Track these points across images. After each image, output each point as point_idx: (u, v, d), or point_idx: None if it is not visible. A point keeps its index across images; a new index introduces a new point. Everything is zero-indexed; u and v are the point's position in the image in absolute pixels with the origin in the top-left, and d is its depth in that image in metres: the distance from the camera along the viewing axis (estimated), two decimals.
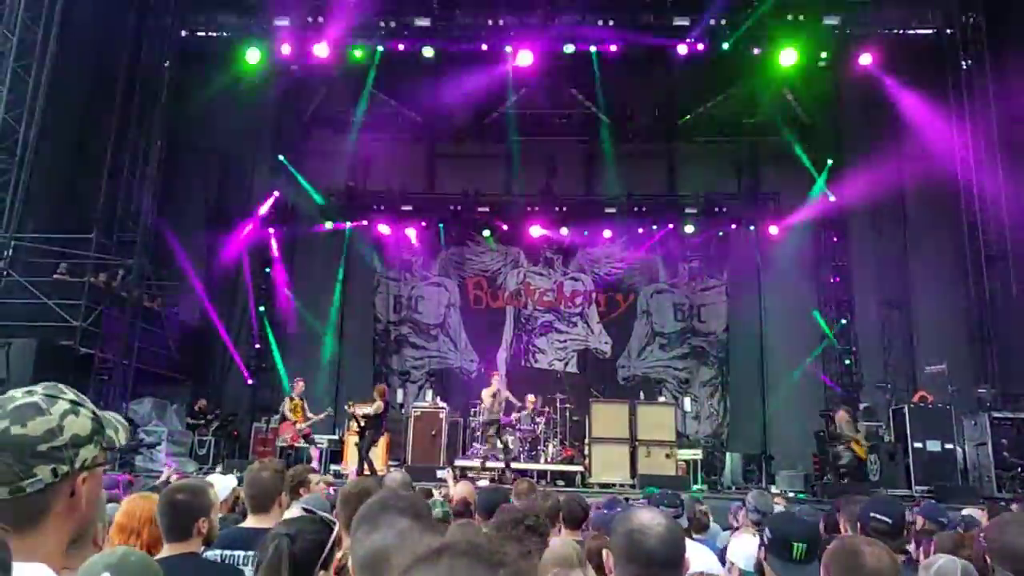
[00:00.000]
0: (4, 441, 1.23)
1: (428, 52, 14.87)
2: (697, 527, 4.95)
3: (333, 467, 12.82)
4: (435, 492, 6.13)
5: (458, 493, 5.22)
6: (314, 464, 11.53)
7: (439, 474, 10.36)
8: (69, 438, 1.26)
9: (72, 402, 1.31)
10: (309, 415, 12.24)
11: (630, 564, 1.82)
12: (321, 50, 14.85)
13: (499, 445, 12.25)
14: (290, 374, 16.14)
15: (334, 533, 2.05)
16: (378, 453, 12.89)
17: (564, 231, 17.20)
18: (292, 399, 12.32)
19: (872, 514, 3.42)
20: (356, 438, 11.86)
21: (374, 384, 15.37)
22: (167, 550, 2.66)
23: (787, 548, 2.37)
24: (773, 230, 16.65)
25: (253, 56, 15.14)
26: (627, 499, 7.58)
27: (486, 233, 17.54)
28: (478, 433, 13.55)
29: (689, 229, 16.96)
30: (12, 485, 1.22)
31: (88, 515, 1.34)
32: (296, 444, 11.96)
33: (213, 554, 2.85)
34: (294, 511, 2.67)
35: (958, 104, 15.03)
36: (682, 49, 14.78)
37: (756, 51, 14.79)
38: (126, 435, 1.43)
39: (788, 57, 14.75)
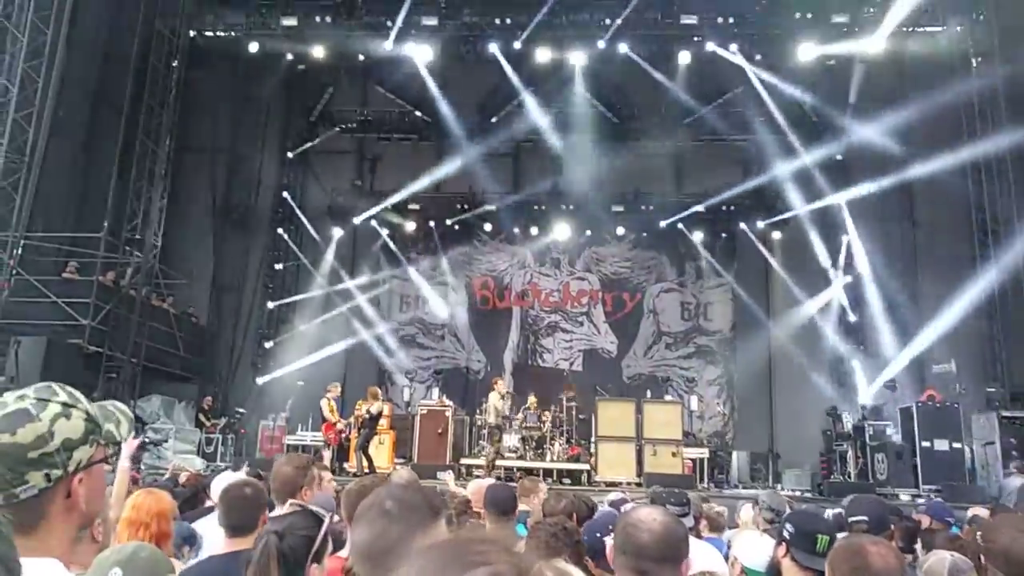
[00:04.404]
0: None
1: (430, 53, 14.89)
2: (711, 527, 4.94)
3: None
4: (438, 489, 6.14)
5: (469, 491, 5.21)
6: (325, 462, 11.62)
7: (439, 475, 10.38)
8: (61, 442, 1.26)
9: (64, 404, 1.30)
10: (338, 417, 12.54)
11: (623, 556, 1.93)
12: (324, 50, 14.92)
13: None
14: (296, 373, 16.19)
15: (324, 526, 2.07)
16: (385, 451, 12.94)
17: (570, 231, 17.18)
18: (330, 401, 12.45)
19: (850, 519, 3.58)
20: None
21: (378, 383, 15.49)
22: (229, 546, 2.58)
23: (812, 541, 2.52)
24: (780, 228, 16.60)
25: (260, 55, 15.20)
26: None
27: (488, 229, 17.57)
28: (483, 432, 13.58)
29: (696, 228, 16.93)
30: (5, 492, 1.23)
31: (90, 512, 1.34)
32: (335, 444, 12.26)
33: None
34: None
35: (967, 101, 14.94)
36: (690, 48, 14.81)
37: (763, 49, 14.78)
38: (129, 426, 1.41)
39: (797, 55, 14.75)
